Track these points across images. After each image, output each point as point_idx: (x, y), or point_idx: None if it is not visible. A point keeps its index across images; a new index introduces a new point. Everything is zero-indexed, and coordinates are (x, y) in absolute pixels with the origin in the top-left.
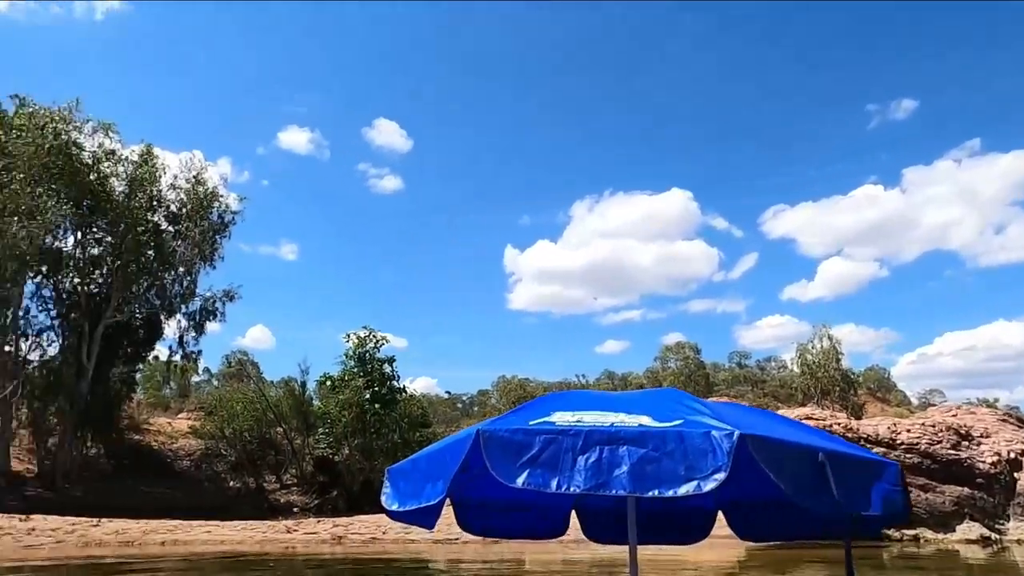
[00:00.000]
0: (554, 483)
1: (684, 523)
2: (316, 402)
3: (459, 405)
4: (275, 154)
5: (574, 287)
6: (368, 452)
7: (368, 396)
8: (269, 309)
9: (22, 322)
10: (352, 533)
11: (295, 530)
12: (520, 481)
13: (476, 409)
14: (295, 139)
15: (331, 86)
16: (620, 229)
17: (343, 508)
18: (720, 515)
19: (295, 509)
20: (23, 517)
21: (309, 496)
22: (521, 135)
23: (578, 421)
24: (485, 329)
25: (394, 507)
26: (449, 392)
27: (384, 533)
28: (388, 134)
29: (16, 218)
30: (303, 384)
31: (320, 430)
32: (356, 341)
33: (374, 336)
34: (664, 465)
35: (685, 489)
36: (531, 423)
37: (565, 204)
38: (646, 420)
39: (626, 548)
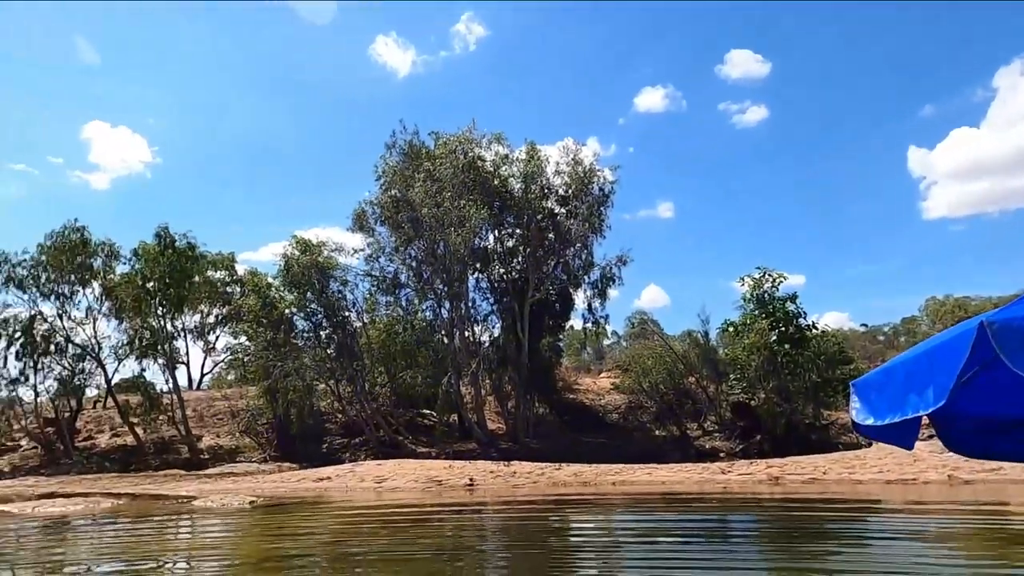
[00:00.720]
0: None
1: None
2: (721, 350)
3: (880, 337)
4: (635, 120)
5: (1014, 176)
6: (786, 394)
7: (775, 337)
8: (658, 268)
9: (472, 311)
10: (788, 474)
11: (729, 471)
12: None
13: (903, 340)
14: (650, 100)
15: (672, 35)
16: None
17: (768, 451)
18: None
19: (721, 454)
20: (507, 463)
21: (732, 441)
22: (899, 16)
23: None
24: (897, 248)
25: (868, 422)
26: (865, 324)
27: (824, 473)
28: (743, 64)
29: (452, 228)
30: (705, 333)
31: (731, 376)
32: (752, 283)
33: (770, 276)
34: None
35: None
36: None
37: (983, 77)
38: None
39: None
